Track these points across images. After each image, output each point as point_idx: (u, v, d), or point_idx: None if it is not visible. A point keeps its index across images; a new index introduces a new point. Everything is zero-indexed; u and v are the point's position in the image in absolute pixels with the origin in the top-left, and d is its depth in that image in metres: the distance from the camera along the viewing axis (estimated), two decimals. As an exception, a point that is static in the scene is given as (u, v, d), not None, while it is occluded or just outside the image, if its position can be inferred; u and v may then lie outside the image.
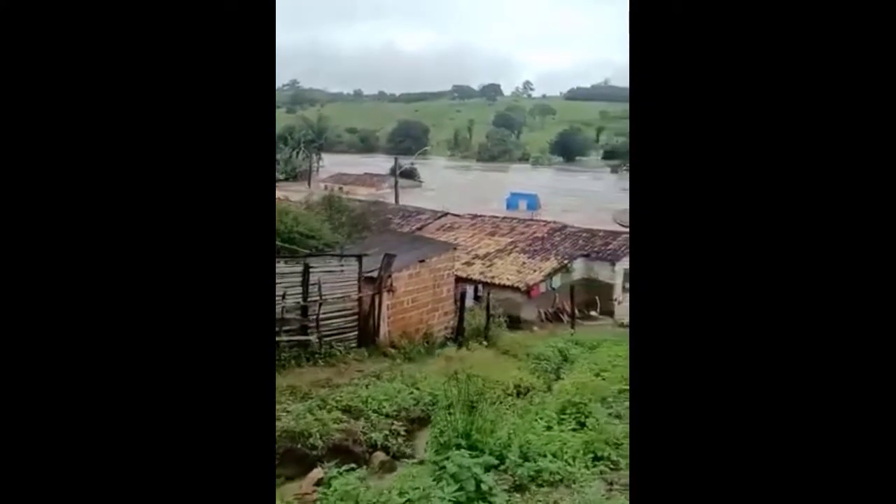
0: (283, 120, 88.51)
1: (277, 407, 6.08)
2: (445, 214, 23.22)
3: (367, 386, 7.46)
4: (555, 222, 21.47)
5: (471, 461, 4.15)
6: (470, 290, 16.74)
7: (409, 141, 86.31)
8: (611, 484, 4.56)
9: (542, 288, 17.14)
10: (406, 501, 4.00)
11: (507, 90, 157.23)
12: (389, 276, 9.99)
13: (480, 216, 22.52)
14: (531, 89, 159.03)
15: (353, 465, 5.15)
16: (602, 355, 10.87)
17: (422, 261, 10.89)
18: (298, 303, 8.82)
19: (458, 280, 17.15)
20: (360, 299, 9.71)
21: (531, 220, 22.51)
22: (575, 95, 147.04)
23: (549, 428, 5.79)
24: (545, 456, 4.87)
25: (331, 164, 66.71)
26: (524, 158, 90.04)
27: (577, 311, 16.94)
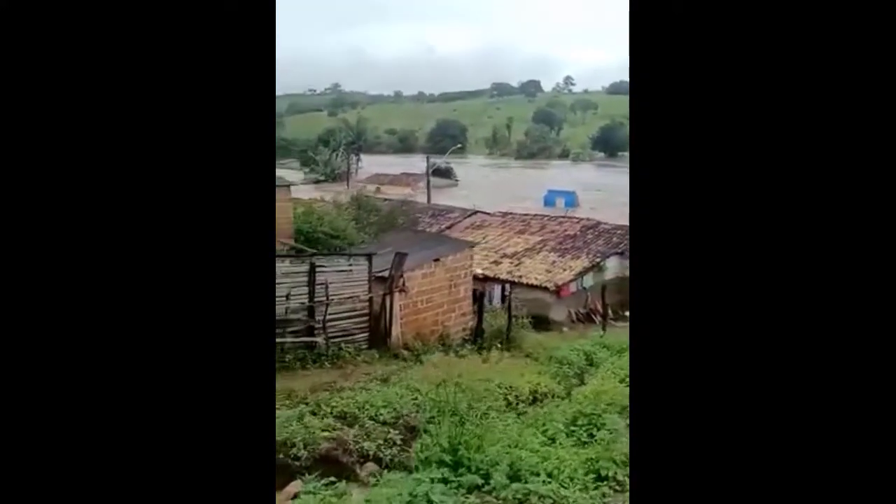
0: (324, 123, 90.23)
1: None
2: (475, 213, 22.79)
3: (367, 390, 7.11)
4: (588, 219, 20.69)
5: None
6: (497, 289, 16.28)
7: (447, 140, 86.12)
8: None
9: (573, 288, 16.46)
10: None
11: (547, 86, 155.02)
12: (401, 276, 9.64)
13: (511, 214, 21.96)
14: (572, 84, 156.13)
15: (332, 479, 4.81)
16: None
17: (436, 260, 10.49)
18: (304, 303, 8.57)
19: (486, 280, 16.77)
20: (370, 300, 9.40)
21: (563, 217, 21.75)
22: (617, 89, 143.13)
23: (550, 442, 5.29)
24: (538, 475, 4.39)
25: (370, 164, 67.40)
26: (564, 155, 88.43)
27: (609, 312, 16.16)
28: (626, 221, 20.10)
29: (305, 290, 8.62)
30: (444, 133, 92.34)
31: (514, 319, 12.15)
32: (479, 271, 17.11)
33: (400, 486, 4.04)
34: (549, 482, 4.30)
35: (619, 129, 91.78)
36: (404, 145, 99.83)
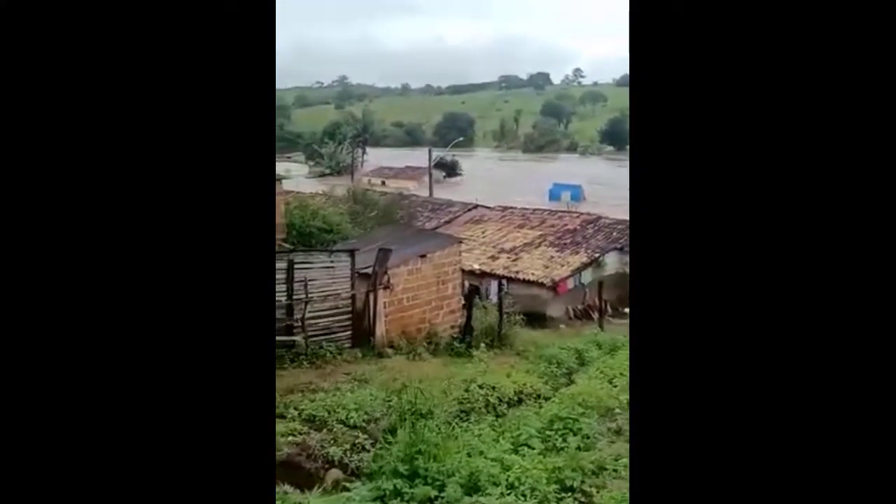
0: (330, 116, 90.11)
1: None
2: (475, 207, 22.51)
3: (340, 392, 6.91)
4: (588, 214, 20.33)
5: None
6: (494, 285, 16.02)
7: (454, 133, 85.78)
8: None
9: (570, 284, 16.17)
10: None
11: (556, 78, 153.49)
12: (385, 273, 9.43)
13: (511, 208, 21.66)
14: (581, 76, 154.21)
15: (286, 490, 4.62)
16: (621, 358, 9.87)
17: (423, 256, 10.25)
18: (281, 301, 8.38)
19: (483, 275, 16.52)
20: (353, 297, 9.20)
21: (564, 211, 21.43)
22: (627, 82, 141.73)
23: (517, 450, 5.05)
24: (498, 485, 4.16)
25: (377, 158, 67.22)
26: (572, 148, 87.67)
27: (608, 308, 15.86)
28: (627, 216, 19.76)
29: (283, 287, 8.41)
30: (452, 126, 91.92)
31: (506, 316, 11.90)
32: (476, 267, 16.87)
33: (346, 501, 3.83)
34: (509, 494, 4.07)
35: (628, 123, 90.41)
36: (411, 138, 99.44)
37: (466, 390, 7.57)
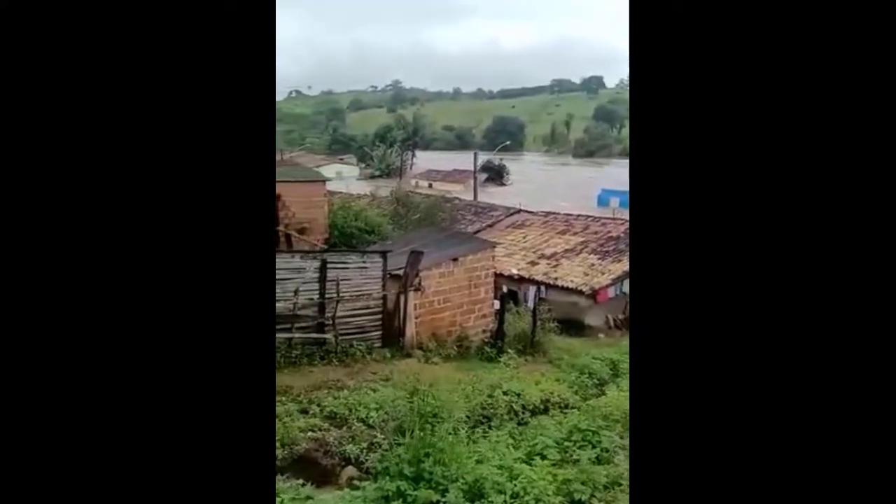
0: (382, 119, 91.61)
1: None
2: (518, 211, 22.31)
3: (369, 391, 7.01)
4: (634, 221, 19.75)
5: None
6: (532, 291, 15.82)
7: (504, 137, 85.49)
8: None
9: (611, 292, 15.76)
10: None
11: (610, 82, 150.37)
12: (417, 275, 9.50)
13: (554, 213, 21.33)
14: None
15: (302, 481, 4.73)
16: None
17: (455, 259, 10.26)
18: (313, 299, 8.58)
19: (521, 280, 16.35)
20: (384, 297, 9.31)
21: (608, 218, 20.92)
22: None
23: (531, 459, 4.97)
24: (502, 493, 4.12)
25: (426, 161, 67.82)
26: (625, 153, 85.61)
27: (650, 319, 15.37)
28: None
29: (316, 286, 8.61)
30: (502, 130, 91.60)
31: (540, 323, 11.73)
32: (514, 272, 16.72)
33: (350, 499, 3.89)
34: (513, 502, 4.02)
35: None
36: (461, 142, 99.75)
37: (490, 395, 7.51)
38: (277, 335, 7.92)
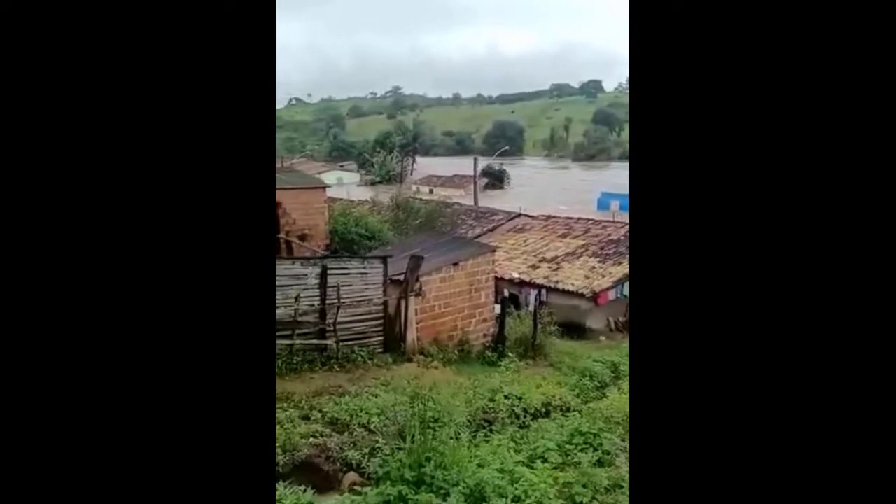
0: (382, 125, 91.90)
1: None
2: (519, 215, 22.36)
3: (370, 396, 7.01)
4: (634, 223, 19.77)
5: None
6: (532, 294, 15.84)
7: (504, 142, 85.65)
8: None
9: (612, 295, 15.77)
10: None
11: (609, 86, 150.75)
12: (417, 280, 9.52)
13: (554, 217, 21.39)
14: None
15: (304, 488, 4.73)
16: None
17: (455, 264, 10.28)
18: (314, 305, 8.60)
19: (522, 284, 16.37)
20: (385, 303, 9.33)
21: (608, 221, 20.95)
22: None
23: (532, 462, 4.97)
24: (504, 497, 4.12)
25: (426, 166, 67.97)
26: (624, 156, 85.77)
27: (651, 321, 15.36)
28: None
29: (317, 292, 8.64)
30: (501, 135, 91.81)
31: (541, 326, 11.74)
32: (515, 275, 16.74)
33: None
34: (513, 507, 4.03)
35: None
36: (461, 147, 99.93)
37: (491, 399, 7.51)
38: (278, 342, 7.95)
